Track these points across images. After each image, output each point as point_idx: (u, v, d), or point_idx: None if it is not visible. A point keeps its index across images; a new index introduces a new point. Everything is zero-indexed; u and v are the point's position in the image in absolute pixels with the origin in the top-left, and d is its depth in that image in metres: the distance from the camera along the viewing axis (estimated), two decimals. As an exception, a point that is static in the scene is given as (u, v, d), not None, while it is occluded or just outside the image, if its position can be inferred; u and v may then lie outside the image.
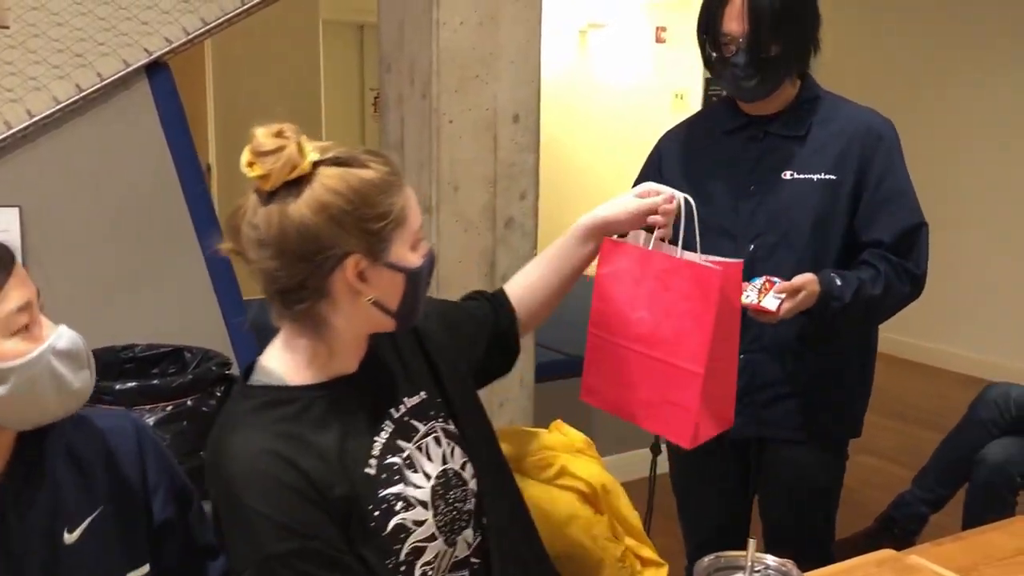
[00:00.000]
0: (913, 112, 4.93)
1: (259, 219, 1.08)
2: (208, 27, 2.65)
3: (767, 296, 1.57)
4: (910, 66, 5.11)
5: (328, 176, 1.08)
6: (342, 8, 6.15)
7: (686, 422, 1.37)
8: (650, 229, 1.43)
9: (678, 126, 1.95)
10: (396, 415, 1.20)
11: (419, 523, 1.14)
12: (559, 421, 1.67)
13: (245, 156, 1.06)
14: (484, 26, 2.41)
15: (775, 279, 1.59)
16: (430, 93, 2.38)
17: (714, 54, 1.70)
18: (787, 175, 1.72)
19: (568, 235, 1.48)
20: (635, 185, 1.85)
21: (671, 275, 1.38)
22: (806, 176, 1.71)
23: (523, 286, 1.47)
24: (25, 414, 1.05)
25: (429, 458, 1.19)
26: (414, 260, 1.14)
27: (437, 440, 1.22)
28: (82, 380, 1.08)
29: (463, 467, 1.23)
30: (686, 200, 1.41)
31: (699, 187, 1.71)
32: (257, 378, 1.16)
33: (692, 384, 1.35)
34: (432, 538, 1.15)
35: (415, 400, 1.23)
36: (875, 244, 1.71)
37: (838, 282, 1.63)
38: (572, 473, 1.50)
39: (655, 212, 1.40)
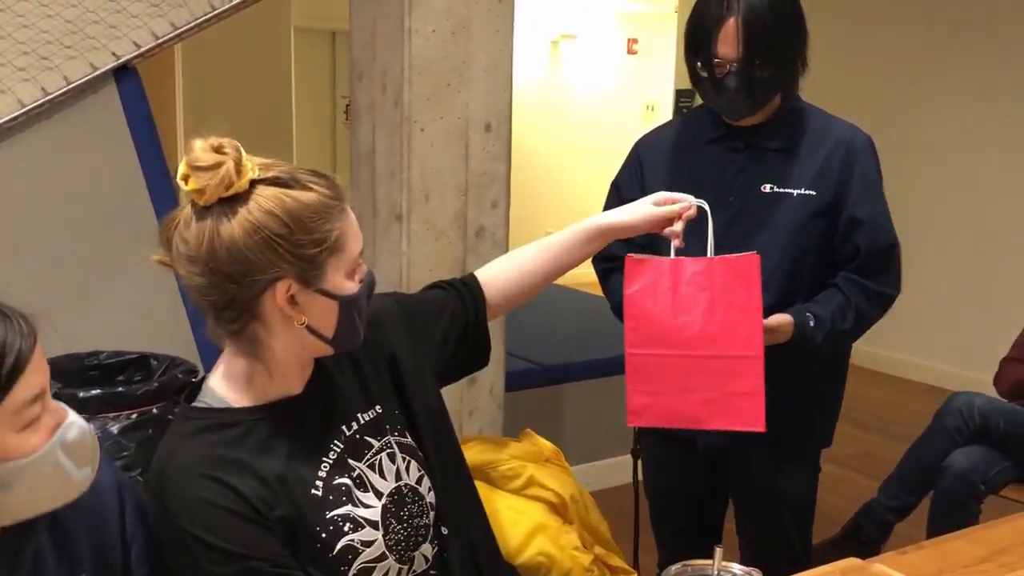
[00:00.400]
0: (882, 122, 5.00)
1: (190, 234, 1.06)
2: (178, 31, 2.63)
3: None
4: (881, 79, 5.18)
5: (265, 197, 1.05)
6: (314, 15, 6.13)
7: (756, 406, 1.47)
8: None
9: (657, 131, 1.93)
10: (348, 433, 1.18)
11: (367, 543, 1.12)
12: (528, 430, 1.68)
13: (181, 168, 1.04)
14: (456, 35, 2.41)
15: None
16: (402, 101, 2.38)
17: (704, 74, 1.68)
18: (767, 188, 1.71)
19: (576, 232, 1.44)
20: (614, 187, 1.88)
21: (706, 275, 1.49)
22: (786, 190, 1.70)
23: (516, 268, 1.43)
24: (19, 511, 0.98)
25: (382, 476, 1.17)
26: (349, 287, 1.11)
27: (391, 456, 1.20)
28: (83, 476, 1.01)
29: (419, 481, 1.21)
30: (704, 206, 1.48)
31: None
32: (201, 399, 1.14)
33: (753, 368, 1.46)
34: (382, 558, 1.14)
35: (370, 415, 1.21)
36: (849, 260, 1.72)
37: (811, 323, 1.65)
38: (541, 483, 1.50)
39: (673, 220, 1.45)
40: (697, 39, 1.67)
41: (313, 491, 1.11)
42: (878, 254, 1.72)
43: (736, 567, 1.14)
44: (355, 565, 1.11)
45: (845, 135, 1.75)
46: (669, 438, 1.82)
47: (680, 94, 6.59)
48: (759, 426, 1.48)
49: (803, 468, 1.88)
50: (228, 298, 1.07)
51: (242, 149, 1.06)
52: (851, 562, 1.36)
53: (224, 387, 1.14)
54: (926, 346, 4.96)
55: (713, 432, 1.69)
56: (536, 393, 3.30)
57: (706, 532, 1.93)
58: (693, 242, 1.52)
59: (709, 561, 1.13)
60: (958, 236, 4.90)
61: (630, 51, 8.13)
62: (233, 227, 1.04)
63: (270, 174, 1.07)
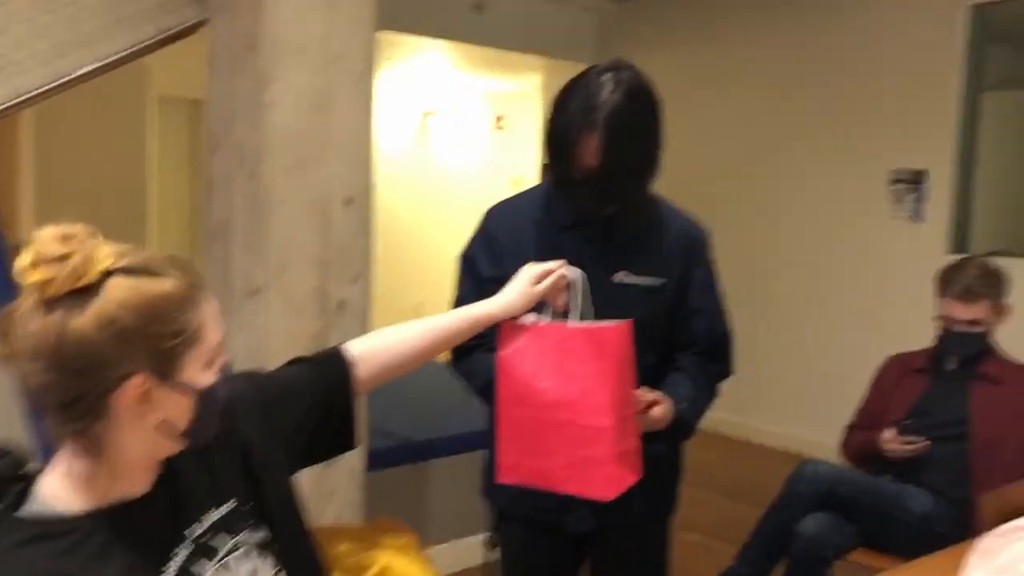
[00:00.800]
0: (733, 199, 5.27)
1: (35, 327, 0.98)
2: (22, 98, 2.51)
3: None
4: (725, 161, 5.47)
5: (118, 288, 0.99)
6: (176, 84, 6.00)
7: (604, 475, 1.50)
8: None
9: (508, 208, 1.91)
10: (195, 534, 1.11)
11: None
12: (385, 517, 1.63)
13: (26, 258, 0.97)
14: (317, 110, 2.40)
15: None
16: (259, 174, 2.34)
17: (564, 179, 1.70)
18: (619, 278, 1.75)
19: (463, 318, 1.48)
20: (466, 260, 1.87)
21: (570, 342, 1.53)
22: (634, 281, 1.75)
23: (396, 345, 1.41)
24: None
25: None
26: (206, 379, 1.07)
27: (247, 553, 1.14)
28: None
29: None
30: (579, 273, 1.55)
31: None
32: (28, 507, 1.04)
33: (604, 438, 1.49)
34: None
35: (222, 511, 1.14)
36: (688, 345, 1.81)
37: (685, 407, 1.73)
38: (397, 572, 1.45)
39: (551, 294, 1.53)
40: (558, 149, 1.67)
41: None
42: (719, 339, 1.84)
43: None
44: None
45: (689, 227, 1.84)
46: (532, 523, 1.82)
47: (546, 168, 6.74)
48: (605, 495, 1.51)
49: (661, 535, 1.92)
50: (74, 396, 0.99)
51: (94, 237, 1.00)
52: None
53: (58, 490, 1.05)
54: (783, 415, 5.18)
55: (578, 515, 1.73)
56: (401, 472, 3.24)
57: None
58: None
59: None
60: (807, 312, 5.18)
61: (497, 127, 8.33)
62: (84, 321, 0.97)
63: (123, 263, 1.01)
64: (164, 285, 1.02)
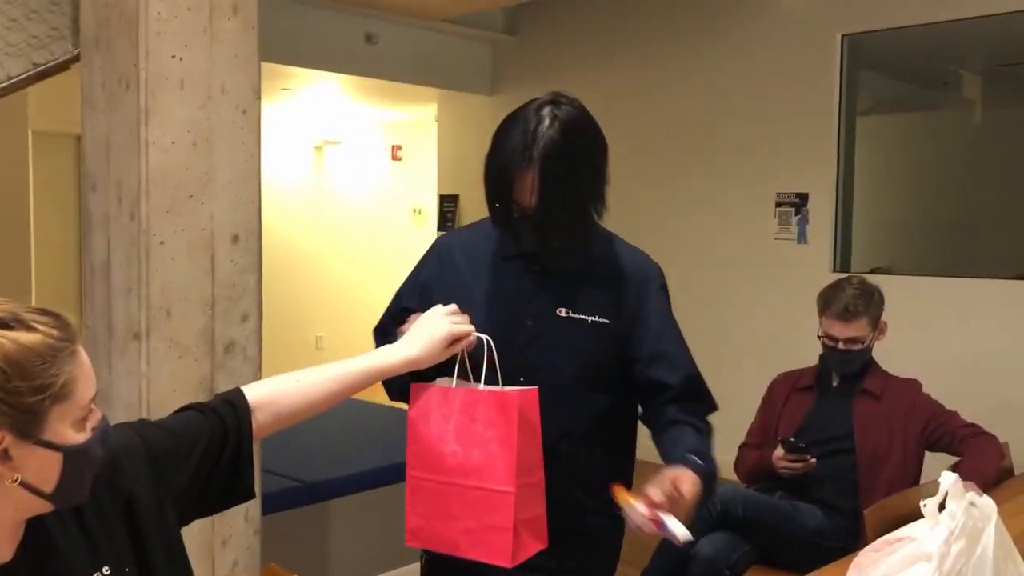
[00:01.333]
0: (629, 225, 5.37)
1: None
2: None
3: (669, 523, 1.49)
4: (623, 189, 5.58)
5: None
6: (54, 119, 5.80)
7: (505, 541, 1.48)
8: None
9: (459, 234, 1.87)
10: None
11: None
12: (272, 565, 1.58)
13: None
14: (198, 146, 2.34)
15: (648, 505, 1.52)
16: (139, 213, 2.27)
17: (504, 217, 1.64)
18: (562, 312, 1.69)
19: (362, 371, 1.43)
20: (422, 286, 1.78)
21: (475, 406, 1.51)
22: (580, 316, 1.69)
23: (301, 391, 1.36)
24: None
25: None
26: (76, 437, 1.00)
27: None
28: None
29: None
30: (487, 340, 1.52)
31: (472, 313, 1.65)
32: None
33: (505, 504, 1.47)
34: None
35: None
36: (659, 391, 1.73)
37: (700, 461, 1.61)
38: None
39: (456, 341, 1.50)
40: (496, 184, 1.62)
41: None
42: (693, 382, 1.75)
43: None
44: None
45: (638, 262, 1.78)
46: (464, 572, 1.67)
47: (444, 199, 6.77)
48: (506, 562, 1.48)
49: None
50: None
51: None
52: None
53: None
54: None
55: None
56: (299, 513, 3.16)
57: None
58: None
59: None
60: (701, 334, 5.28)
61: (395, 157, 8.31)
62: None
63: None
64: (30, 337, 0.96)
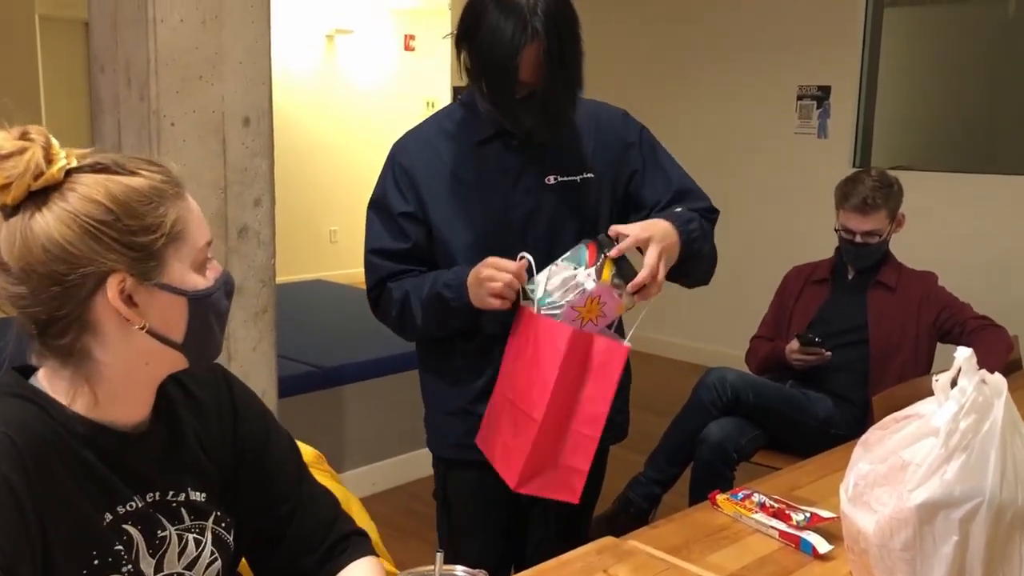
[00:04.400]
0: (646, 121, 5.28)
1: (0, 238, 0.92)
2: None
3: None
4: (638, 85, 5.46)
5: (84, 184, 0.93)
6: (60, 3, 5.68)
7: (517, 462, 1.48)
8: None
9: (414, 136, 1.77)
10: (172, 498, 1.05)
11: None
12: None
13: None
14: (207, 25, 2.29)
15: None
16: (148, 95, 2.23)
17: (500, 99, 1.58)
18: (551, 180, 1.68)
19: None
20: (380, 208, 1.72)
21: (531, 328, 1.52)
22: (569, 178, 1.68)
23: None
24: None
25: (183, 552, 1.04)
26: (199, 282, 0.99)
27: (198, 543, 1.06)
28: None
29: None
30: (528, 259, 1.52)
31: (463, 204, 1.66)
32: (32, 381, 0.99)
33: (529, 429, 1.47)
34: None
35: (197, 496, 1.07)
36: (656, 204, 1.73)
37: (676, 209, 1.63)
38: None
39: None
40: (490, 64, 1.55)
41: (107, 515, 0.98)
42: (688, 183, 1.78)
43: (460, 569, 1.10)
44: None
45: (600, 112, 1.76)
46: (482, 466, 1.68)
47: (457, 91, 6.65)
48: (511, 482, 1.51)
49: (604, 459, 1.90)
50: (53, 307, 0.93)
51: (51, 136, 0.93)
52: (606, 541, 1.40)
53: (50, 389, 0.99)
54: (689, 328, 5.30)
55: None
56: (314, 397, 3.22)
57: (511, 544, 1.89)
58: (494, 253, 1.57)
59: (430, 567, 1.09)
60: (716, 226, 5.26)
61: (407, 47, 8.14)
62: (48, 220, 0.91)
63: (88, 161, 0.95)
64: (135, 180, 0.95)
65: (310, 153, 7.47)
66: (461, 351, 1.73)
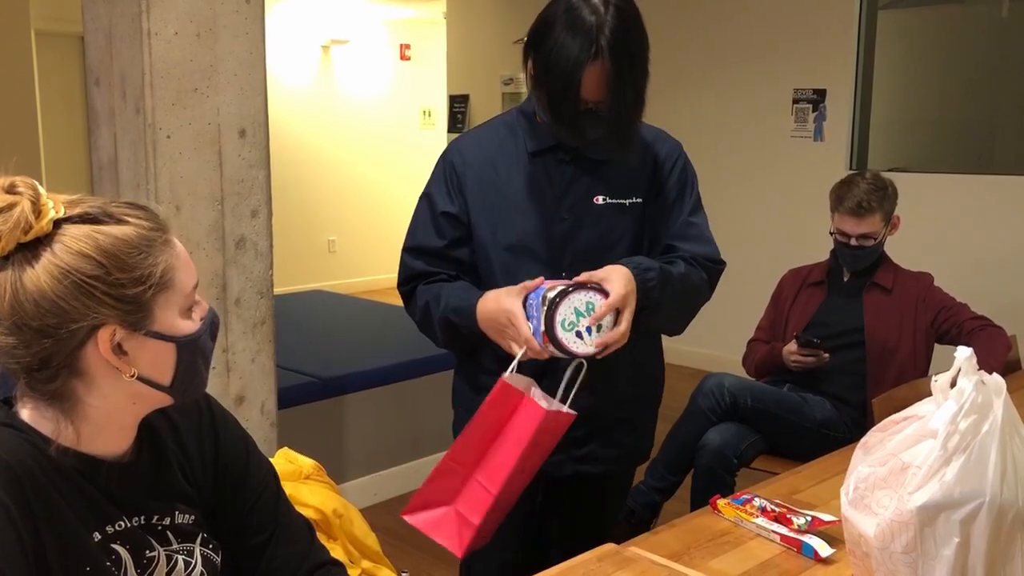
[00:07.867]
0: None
1: None
2: None
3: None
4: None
5: (73, 237, 0.93)
6: (57, 18, 5.69)
7: (464, 534, 1.45)
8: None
9: (470, 141, 1.76)
10: (157, 522, 1.06)
11: None
12: (286, 449, 1.61)
13: None
14: (202, 37, 2.29)
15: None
16: (144, 107, 2.24)
17: (565, 116, 1.56)
18: (599, 200, 1.66)
19: None
20: (427, 198, 1.72)
21: (501, 400, 1.47)
22: (618, 201, 1.67)
23: None
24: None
25: (171, 572, 1.05)
26: (187, 327, 1.01)
27: (188, 564, 1.07)
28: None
29: None
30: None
31: (506, 212, 1.65)
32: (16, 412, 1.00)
33: (483, 502, 1.44)
34: None
35: (185, 519, 1.08)
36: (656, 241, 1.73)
37: (642, 266, 1.58)
38: (300, 501, 1.45)
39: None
40: (553, 78, 1.53)
41: (95, 533, 0.99)
42: (710, 251, 1.78)
43: None
44: None
45: (661, 141, 1.75)
46: None
47: (454, 99, 6.66)
48: (457, 552, 1.47)
49: (628, 478, 1.92)
50: (43, 356, 0.94)
51: (40, 187, 0.93)
52: (607, 548, 1.40)
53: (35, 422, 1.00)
54: (689, 333, 5.29)
55: (554, 459, 1.61)
56: (313, 407, 3.21)
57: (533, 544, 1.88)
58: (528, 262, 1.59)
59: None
60: (713, 231, 5.26)
61: (403, 57, 8.15)
62: (38, 274, 0.92)
63: (76, 211, 0.95)
64: (123, 230, 0.96)
65: (307, 163, 7.48)
66: (491, 357, 1.68)
